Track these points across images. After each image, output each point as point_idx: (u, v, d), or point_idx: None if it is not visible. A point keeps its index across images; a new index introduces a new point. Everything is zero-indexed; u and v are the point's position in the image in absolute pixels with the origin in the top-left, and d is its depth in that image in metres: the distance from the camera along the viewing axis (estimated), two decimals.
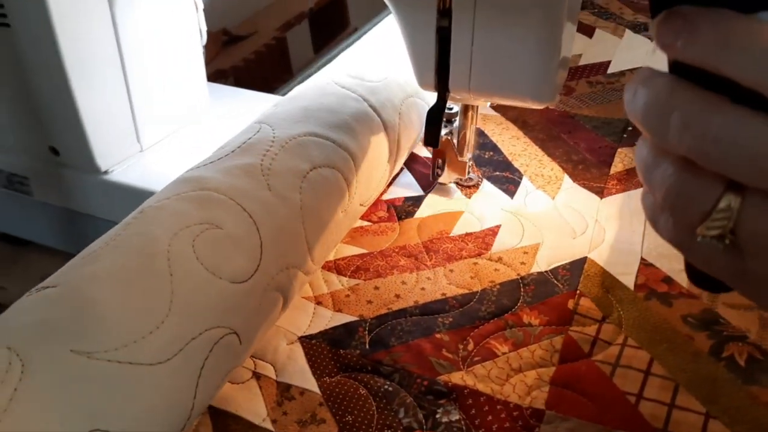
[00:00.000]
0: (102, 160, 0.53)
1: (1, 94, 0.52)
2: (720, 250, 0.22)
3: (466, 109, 0.50)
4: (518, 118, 0.63)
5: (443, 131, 0.50)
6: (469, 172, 0.54)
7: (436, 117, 0.45)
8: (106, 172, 0.54)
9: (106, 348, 0.28)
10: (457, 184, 0.55)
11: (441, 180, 0.54)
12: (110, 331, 0.29)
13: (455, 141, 0.52)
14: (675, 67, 0.22)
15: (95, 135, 0.51)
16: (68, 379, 0.27)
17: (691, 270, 0.26)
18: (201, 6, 0.58)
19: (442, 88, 0.45)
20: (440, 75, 0.45)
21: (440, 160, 0.53)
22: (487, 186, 0.55)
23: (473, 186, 0.55)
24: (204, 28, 0.60)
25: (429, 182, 0.56)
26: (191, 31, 0.58)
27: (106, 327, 0.29)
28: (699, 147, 0.21)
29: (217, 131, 0.60)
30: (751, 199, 0.21)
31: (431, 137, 0.46)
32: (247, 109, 0.64)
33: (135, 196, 0.52)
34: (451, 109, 0.51)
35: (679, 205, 0.22)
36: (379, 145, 0.47)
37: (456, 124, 0.52)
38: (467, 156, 0.53)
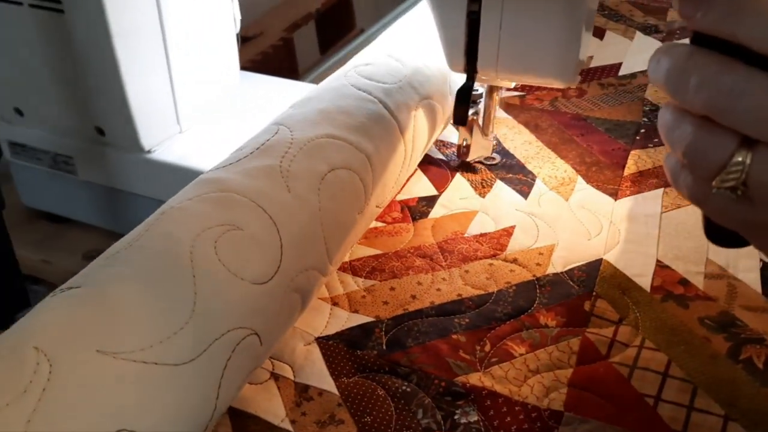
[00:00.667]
0: (146, 140, 0.56)
1: (53, 78, 0.55)
2: (734, 200, 0.24)
3: (491, 90, 0.53)
4: (530, 121, 0.63)
5: (469, 112, 0.52)
6: (492, 151, 0.57)
7: (464, 96, 0.49)
8: (149, 152, 0.57)
9: (131, 348, 0.29)
10: (480, 163, 0.58)
11: (466, 158, 0.57)
12: (135, 331, 0.29)
13: (480, 121, 0.55)
14: (695, 38, 0.25)
15: (140, 116, 0.54)
16: (95, 379, 0.27)
17: (708, 228, 0.29)
18: None
19: (471, 69, 0.49)
20: (469, 57, 0.48)
21: (466, 140, 0.56)
22: (500, 186, 0.56)
23: (496, 165, 0.58)
24: (238, 17, 0.63)
25: (443, 182, 0.56)
26: (227, 19, 0.61)
27: (132, 327, 0.29)
28: (714, 103, 0.23)
29: (249, 115, 0.64)
30: (760, 154, 0.23)
31: (460, 116, 0.49)
32: (275, 94, 0.67)
33: (175, 173, 0.56)
34: (476, 90, 0.53)
35: (697, 160, 0.25)
36: (394, 146, 0.47)
37: (481, 105, 0.54)
38: (491, 135, 0.56)
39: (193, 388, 0.30)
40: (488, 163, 0.58)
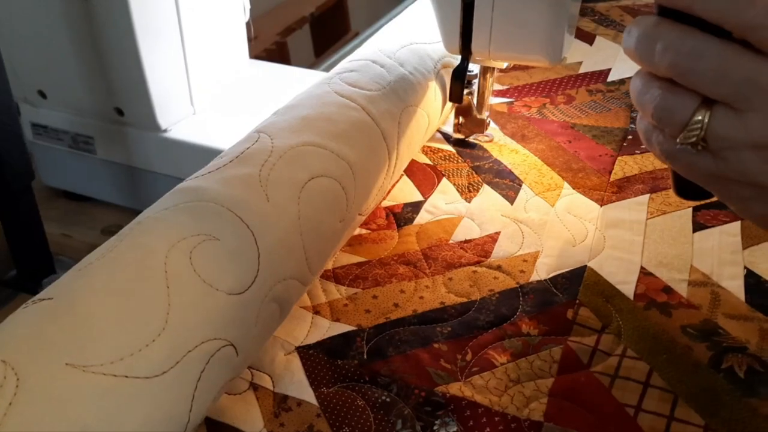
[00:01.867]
0: (162, 120, 0.60)
1: (76, 62, 0.57)
2: (695, 154, 0.28)
3: (485, 71, 0.57)
4: (516, 132, 0.63)
5: (464, 91, 0.56)
6: (486, 129, 0.61)
7: (460, 75, 0.54)
8: (165, 131, 0.61)
9: (101, 361, 0.28)
10: (476, 140, 0.61)
11: (461, 135, 0.61)
12: (106, 344, 0.29)
13: (475, 100, 0.59)
14: (660, 11, 0.28)
15: (158, 97, 0.57)
16: (63, 392, 0.27)
17: (677, 183, 0.32)
18: None
19: (466, 50, 0.53)
20: (464, 39, 0.52)
21: (461, 117, 0.60)
22: (487, 191, 0.55)
23: (489, 141, 0.62)
24: (248, 6, 0.67)
25: (429, 187, 0.56)
26: (237, 8, 0.65)
27: (102, 340, 0.29)
28: (676, 64, 0.26)
29: (256, 98, 0.68)
30: (717, 112, 0.26)
31: (456, 94, 0.54)
32: (283, 80, 0.71)
33: (190, 151, 0.60)
34: (471, 71, 0.57)
35: (665, 119, 0.28)
36: (378, 154, 0.47)
37: (476, 85, 0.58)
38: (485, 114, 0.59)
39: (166, 401, 0.30)
40: (483, 140, 0.61)
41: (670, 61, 0.26)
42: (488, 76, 0.57)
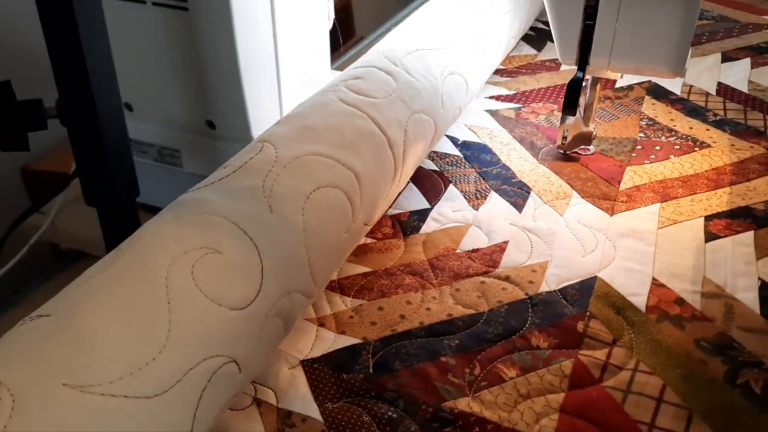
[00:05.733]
0: (256, 133, 0.56)
1: (170, 74, 0.54)
2: None
3: (595, 82, 0.55)
4: (525, 138, 0.62)
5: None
6: (593, 141, 0.58)
7: (576, 88, 0.53)
8: None
9: (100, 381, 0.27)
10: (576, 152, 0.59)
11: (565, 148, 0.58)
12: (105, 363, 0.28)
13: (581, 112, 0.56)
14: None
15: (253, 110, 0.55)
16: (60, 414, 0.26)
17: None
18: None
19: (583, 61, 0.52)
20: (582, 50, 0.51)
21: (566, 130, 0.57)
22: (495, 198, 0.54)
23: (591, 155, 0.59)
24: (332, 15, 0.64)
25: (435, 194, 0.55)
26: (323, 17, 0.62)
27: (101, 359, 0.28)
28: None
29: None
30: None
31: (570, 106, 0.53)
32: None
33: None
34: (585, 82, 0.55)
35: None
36: (384, 163, 0.46)
37: (583, 96, 0.55)
38: (592, 125, 0.57)
39: (167, 421, 0.29)
40: (584, 153, 0.59)
41: None
42: (598, 87, 0.55)
